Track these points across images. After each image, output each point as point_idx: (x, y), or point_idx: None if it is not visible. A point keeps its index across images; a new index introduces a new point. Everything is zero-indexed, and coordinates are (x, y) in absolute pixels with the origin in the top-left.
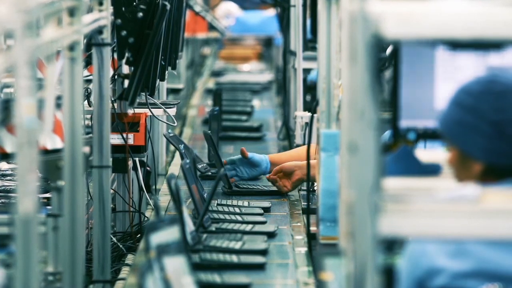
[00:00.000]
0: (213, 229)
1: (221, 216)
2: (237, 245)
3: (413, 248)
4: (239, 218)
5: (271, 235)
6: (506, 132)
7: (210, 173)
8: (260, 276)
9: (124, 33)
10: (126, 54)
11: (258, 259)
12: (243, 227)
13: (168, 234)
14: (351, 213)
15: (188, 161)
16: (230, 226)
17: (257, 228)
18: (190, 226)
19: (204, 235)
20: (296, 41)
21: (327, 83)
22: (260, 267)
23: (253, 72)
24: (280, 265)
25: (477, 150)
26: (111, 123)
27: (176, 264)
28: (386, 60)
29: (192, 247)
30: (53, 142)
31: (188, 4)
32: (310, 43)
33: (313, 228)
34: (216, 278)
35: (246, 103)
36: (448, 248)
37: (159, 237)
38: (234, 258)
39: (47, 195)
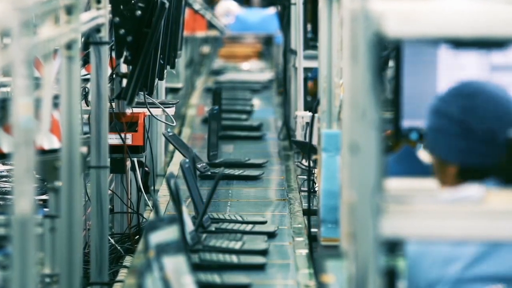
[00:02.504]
0: (213, 229)
1: (221, 216)
2: (237, 245)
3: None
4: (239, 218)
5: (271, 235)
6: (475, 131)
7: (209, 173)
8: (260, 276)
9: (122, 31)
10: (125, 53)
11: (258, 259)
12: (243, 227)
13: (167, 234)
14: (353, 214)
15: (187, 160)
16: (230, 226)
17: (257, 228)
18: (189, 226)
19: (204, 235)
20: (297, 40)
21: (328, 82)
22: (260, 267)
23: (253, 70)
24: (281, 266)
25: (449, 153)
26: (109, 123)
27: (175, 264)
28: (388, 59)
29: (192, 247)
30: (50, 142)
31: (187, 2)
32: (311, 42)
33: (314, 230)
34: (216, 278)
35: (246, 102)
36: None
37: (158, 237)
38: (234, 258)
39: (44, 196)
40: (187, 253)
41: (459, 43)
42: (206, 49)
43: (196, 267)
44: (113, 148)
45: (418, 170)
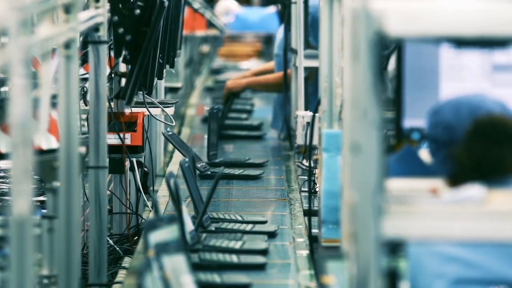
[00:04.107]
0: (213, 228)
1: (221, 216)
2: (237, 245)
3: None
4: (239, 217)
5: (271, 235)
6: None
7: (209, 172)
8: (260, 276)
9: (121, 30)
10: (123, 52)
11: (258, 259)
12: (243, 226)
13: (167, 233)
14: (354, 215)
15: (187, 160)
16: (230, 225)
17: (257, 227)
18: (189, 225)
19: (204, 235)
20: (297, 39)
21: (328, 81)
22: (260, 267)
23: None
24: (281, 265)
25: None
26: (107, 123)
27: (175, 263)
28: (389, 58)
29: (192, 246)
30: (49, 142)
31: (186, 1)
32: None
33: (314, 230)
34: (216, 278)
35: (246, 101)
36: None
37: (158, 236)
38: (234, 258)
39: (42, 197)
40: (186, 252)
41: (461, 42)
42: (205, 48)
43: (196, 267)
44: (112, 148)
45: (420, 170)
